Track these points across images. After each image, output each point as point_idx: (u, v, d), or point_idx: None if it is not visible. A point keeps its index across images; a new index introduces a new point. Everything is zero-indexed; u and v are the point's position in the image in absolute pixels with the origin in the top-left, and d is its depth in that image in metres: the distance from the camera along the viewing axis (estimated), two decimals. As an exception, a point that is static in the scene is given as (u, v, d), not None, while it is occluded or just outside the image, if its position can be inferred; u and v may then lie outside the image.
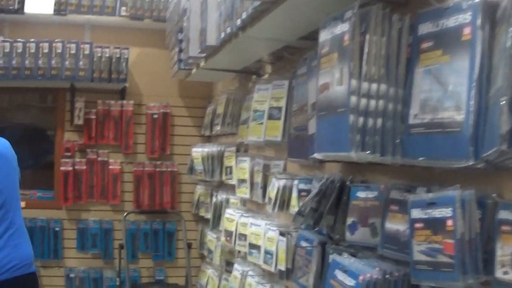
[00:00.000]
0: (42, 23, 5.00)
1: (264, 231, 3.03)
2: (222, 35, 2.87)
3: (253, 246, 3.15)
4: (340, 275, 1.87)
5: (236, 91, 3.99)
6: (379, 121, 1.61)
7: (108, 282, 5.01)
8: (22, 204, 4.85)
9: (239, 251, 3.61)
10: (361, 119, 1.57)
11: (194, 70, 4.06)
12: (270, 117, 2.94)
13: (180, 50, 4.17)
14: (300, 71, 2.58)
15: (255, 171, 3.28)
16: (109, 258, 5.09)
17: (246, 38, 2.72)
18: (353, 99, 1.57)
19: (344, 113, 1.58)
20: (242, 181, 3.45)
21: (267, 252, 2.94)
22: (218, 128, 3.95)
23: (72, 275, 4.99)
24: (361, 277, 1.75)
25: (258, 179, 3.21)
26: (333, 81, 1.66)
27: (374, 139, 1.58)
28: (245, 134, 3.42)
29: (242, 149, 3.78)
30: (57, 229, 4.99)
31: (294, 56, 2.94)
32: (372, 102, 1.60)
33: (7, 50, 4.64)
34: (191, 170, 4.78)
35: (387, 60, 1.64)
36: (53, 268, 5.03)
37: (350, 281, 1.80)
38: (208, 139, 5.02)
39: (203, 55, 3.48)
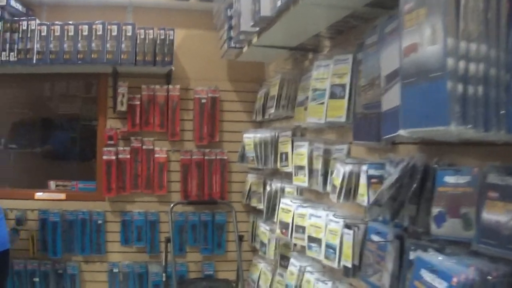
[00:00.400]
0: (81, 6, 4.90)
1: (325, 223, 2.83)
2: (279, 3, 2.64)
3: (312, 239, 2.95)
4: (427, 275, 1.62)
5: (291, 71, 3.76)
6: (480, 89, 1.35)
7: (153, 277, 4.88)
8: (62, 196, 4.95)
9: (295, 244, 3.41)
10: (460, 86, 1.32)
11: (245, 48, 3.84)
12: (332, 96, 2.71)
13: (230, 28, 3.97)
14: (369, 41, 2.33)
15: (315, 156, 3.05)
16: (154, 252, 4.96)
17: (306, 5, 2.48)
18: (450, 61, 1.32)
19: (440, 78, 1.33)
20: (299, 168, 3.23)
21: (329, 246, 2.73)
22: (272, 111, 3.72)
23: (115, 270, 4.88)
24: (455, 279, 1.50)
25: (318, 165, 2.98)
26: (422, 40, 1.41)
27: (476, 111, 1.33)
28: (302, 117, 3.22)
29: (298, 133, 3.55)
30: (99, 222, 4.88)
31: (356, 29, 2.71)
32: (472, 66, 1.35)
33: (44, 33, 4.52)
34: (242, 157, 4.58)
35: (486, 15, 1.38)
36: (96, 263, 4.94)
37: (440, 283, 1.56)
38: (259, 125, 4.81)
39: (256, 29, 3.26)
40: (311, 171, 3.09)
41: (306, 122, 3.03)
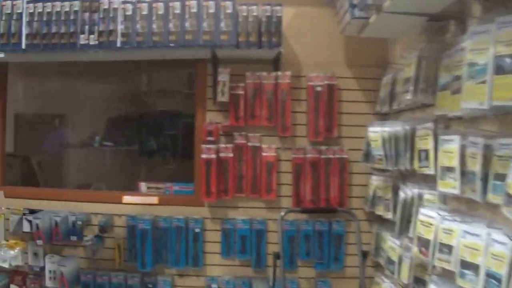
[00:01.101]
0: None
1: (486, 244, 2.24)
2: None
3: (466, 264, 2.35)
4: None
5: (429, 46, 3.13)
6: None
7: (259, 295, 4.47)
8: (154, 199, 4.61)
9: (434, 266, 2.81)
10: None
11: (373, 18, 3.26)
12: (500, 70, 2.08)
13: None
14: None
15: (469, 154, 2.44)
16: (260, 267, 4.53)
17: None
18: None
19: None
20: (447, 169, 2.62)
21: (491, 276, 2.15)
22: (408, 97, 3.10)
23: (214, 286, 4.52)
24: None
25: (475, 166, 2.36)
26: None
27: None
28: (447, 103, 2.65)
29: (442, 125, 2.93)
30: (197, 230, 4.52)
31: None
32: None
33: (129, 12, 4.18)
34: (367, 156, 4.00)
35: None
36: (192, 277, 4.59)
37: None
38: (384, 117, 4.22)
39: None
40: (463, 174, 2.48)
41: (459, 109, 2.41)
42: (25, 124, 5.97)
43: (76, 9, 4.24)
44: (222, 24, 4.13)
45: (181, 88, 5.46)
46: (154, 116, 5.39)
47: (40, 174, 5.71)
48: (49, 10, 4.27)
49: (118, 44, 4.18)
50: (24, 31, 4.31)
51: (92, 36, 4.20)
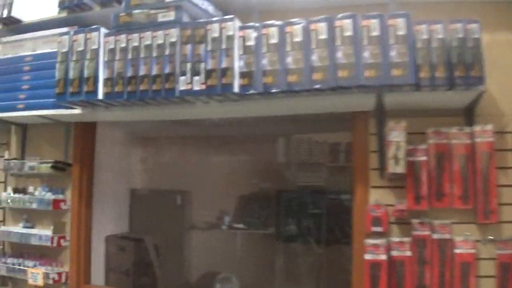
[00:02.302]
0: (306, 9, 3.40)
1: None
2: None
3: None
4: None
5: None
6: None
7: None
8: None
9: None
10: None
11: None
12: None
13: None
14: None
15: None
16: None
17: None
18: None
19: None
20: None
21: None
22: None
23: None
24: None
25: None
26: None
27: None
28: None
29: None
30: None
31: None
32: None
33: (250, 42, 3.05)
34: None
35: None
36: None
37: None
38: None
39: None
40: None
41: None
42: (142, 201, 5.70)
43: (173, 40, 3.13)
44: (393, 53, 2.88)
45: (327, 157, 5.16)
46: (294, 193, 5.03)
47: (157, 259, 5.33)
48: (135, 43, 3.22)
49: (236, 89, 3.00)
50: (102, 74, 3.25)
51: (196, 78, 3.06)
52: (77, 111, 3.63)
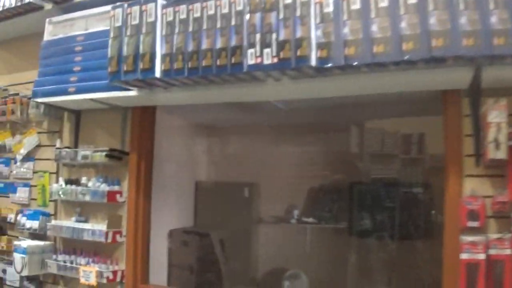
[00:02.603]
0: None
1: None
2: None
3: None
4: None
5: None
6: None
7: None
8: None
9: None
10: None
11: None
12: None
13: None
14: None
15: None
16: None
17: None
18: None
19: None
20: None
21: None
22: None
23: None
24: None
25: None
26: None
27: None
28: None
29: None
30: None
31: None
32: None
33: (328, 9, 2.66)
34: None
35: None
36: None
37: None
38: None
39: None
40: None
41: None
42: (208, 194, 5.61)
43: (240, 8, 2.80)
44: (493, 20, 2.50)
45: (402, 148, 4.99)
46: (368, 186, 4.81)
47: (222, 255, 5.18)
48: (197, 14, 2.88)
49: (313, 62, 2.64)
50: (159, 50, 2.96)
51: (267, 51, 2.71)
52: (132, 93, 3.36)
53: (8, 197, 4.61)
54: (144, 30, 3.02)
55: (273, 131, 5.49)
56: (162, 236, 4.58)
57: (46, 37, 3.97)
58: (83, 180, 4.03)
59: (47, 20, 4.00)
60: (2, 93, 4.56)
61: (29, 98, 4.21)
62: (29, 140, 4.44)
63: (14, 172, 4.58)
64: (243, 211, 5.72)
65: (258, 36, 2.73)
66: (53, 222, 4.11)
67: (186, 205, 5.20)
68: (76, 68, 3.65)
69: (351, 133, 5.31)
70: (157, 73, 2.96)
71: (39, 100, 3.89)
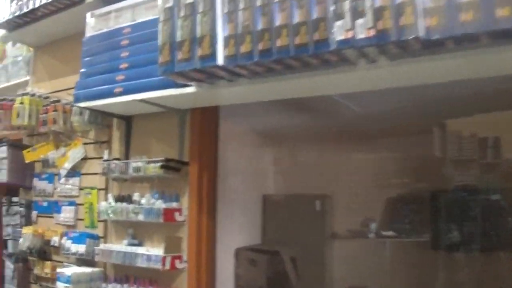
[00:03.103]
0: None
1: None
2: None
3: None
4: None
5: None
6: None
7: None
8: None
9: None
10: None
11: None
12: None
13: None
14: None
15: None
16: None
17: None
18: None
19: None
20: None
21: None
22: None
23: None
24: None
25: None
26: None
27: None
28: None
29: None
30: None
31: None
32: None
33: None
34: None
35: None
36: None
37: None
38: None
39: None
40: None
41: None
42: (276, 208, 5.51)
43: (322, -27, 2.25)
44: None
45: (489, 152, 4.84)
46: (452, 194, 4.71)
47: (294, 273, 5.08)
48: (267, -15, 2.35)
49: (420, 33, 2.07)
50: (221, 31, 2.44)
51: (360, 22, 2.14)
52: (190, 89, 2.89)
53: (52, 217, 4.29)
54: (201, 8, 2.52)
55: (345, 137, 5.45)
56: (228, 255, 4.29)
57: (88, 32, 3.57)
58: (136, 196, 3.64)
59: (89, 13, 3.64)
60: (43, 101, 4.20)
61: (72, 105, 3.84)
62: (74, 153, 4.10)
63: (58, 189, 4.27)
64: (314, 225, 5.60)
65: (347, 3, 2.17)
66: (102, 246, 3.75)
67: (252, 221, 5.07)
68: (123, 65, 3.25)
69: (432, 137, 5.14)
70: (219, 60, 2.45)
71: (82, 105, 3.51)
